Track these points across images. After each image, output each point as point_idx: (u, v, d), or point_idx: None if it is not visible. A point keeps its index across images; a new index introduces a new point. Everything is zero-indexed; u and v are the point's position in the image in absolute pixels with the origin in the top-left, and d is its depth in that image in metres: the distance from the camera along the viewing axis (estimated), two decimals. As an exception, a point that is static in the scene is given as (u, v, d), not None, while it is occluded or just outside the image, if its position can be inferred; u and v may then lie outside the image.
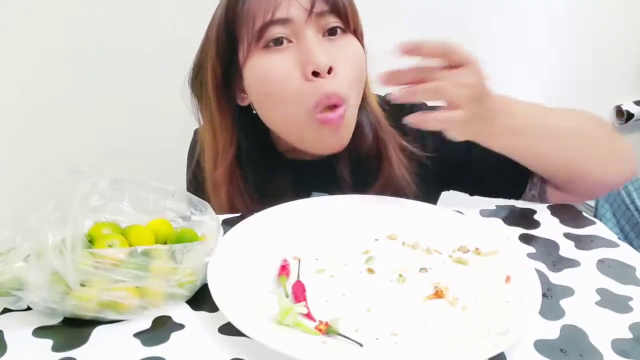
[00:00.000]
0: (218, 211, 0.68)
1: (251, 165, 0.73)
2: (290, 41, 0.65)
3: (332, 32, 0.66)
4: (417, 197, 0.72)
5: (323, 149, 0.69)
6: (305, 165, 0.74)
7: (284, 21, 0.63)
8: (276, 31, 0.64)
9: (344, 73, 0.65)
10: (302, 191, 0.69)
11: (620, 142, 0.70)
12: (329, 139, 0.67)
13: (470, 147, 0.68)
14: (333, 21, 0.65)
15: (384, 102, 0.77)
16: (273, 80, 0.65)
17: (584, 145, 0.66)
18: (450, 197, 0.83)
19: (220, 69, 0.68)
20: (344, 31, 0.67)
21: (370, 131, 0.74)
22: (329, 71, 0.64)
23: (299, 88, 0.64)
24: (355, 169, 0.75)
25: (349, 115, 0.67)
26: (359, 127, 0.72)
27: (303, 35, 0.64)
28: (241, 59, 0.67)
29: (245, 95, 0.70)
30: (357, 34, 0.69)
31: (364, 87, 0.70)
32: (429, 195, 0.77)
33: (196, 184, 0.81)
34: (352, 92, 0.67)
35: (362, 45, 0.70)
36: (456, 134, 0.59)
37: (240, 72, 0.68)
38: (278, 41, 0.64)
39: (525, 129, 0.63)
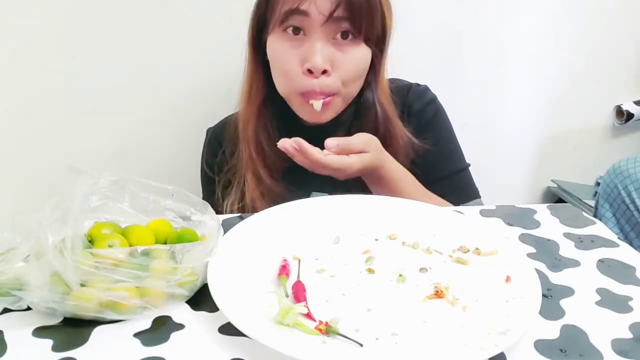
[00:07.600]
0: (245, 146, 0.83)
1: (275, 112, 0.84)
2: (305, 34, 0.73)
3: (343, 36, 0.74)
4: None
5: (306, 116, 0.78)
6: (312, 129, 0.80)
7: (304, 13, 0.71)
8: (296, 21, 0.73)
9: (339, 75, 0.75)
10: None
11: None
12: (311, 110, 0.76)
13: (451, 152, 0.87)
14: (346, 27, 0.73)
15: (391, 89, 0.85)
16: (279, 62, 0.76)
17: None
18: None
19: (256, 26, 0.80)
20: (354, 37, 0.74)
21: (376, 117, 0.81)
22: (324, 72, 0.73)
23: (296, 76, 0.75)
24: None
25: (337, 101, 0.77)
26: (362, 108, 0.81)
27: (315, 33, 0.73)
28: (269, 29, 0.77)
29: None
30: (370, 41, 0.76)
31: (363, 81, 0.79)
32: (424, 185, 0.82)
33: (216, 170, 0.89)
34: (344, 88, 0.76)
35: (383, 47, 0.78)
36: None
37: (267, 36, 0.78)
38: (295, 29, 0.73)
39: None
